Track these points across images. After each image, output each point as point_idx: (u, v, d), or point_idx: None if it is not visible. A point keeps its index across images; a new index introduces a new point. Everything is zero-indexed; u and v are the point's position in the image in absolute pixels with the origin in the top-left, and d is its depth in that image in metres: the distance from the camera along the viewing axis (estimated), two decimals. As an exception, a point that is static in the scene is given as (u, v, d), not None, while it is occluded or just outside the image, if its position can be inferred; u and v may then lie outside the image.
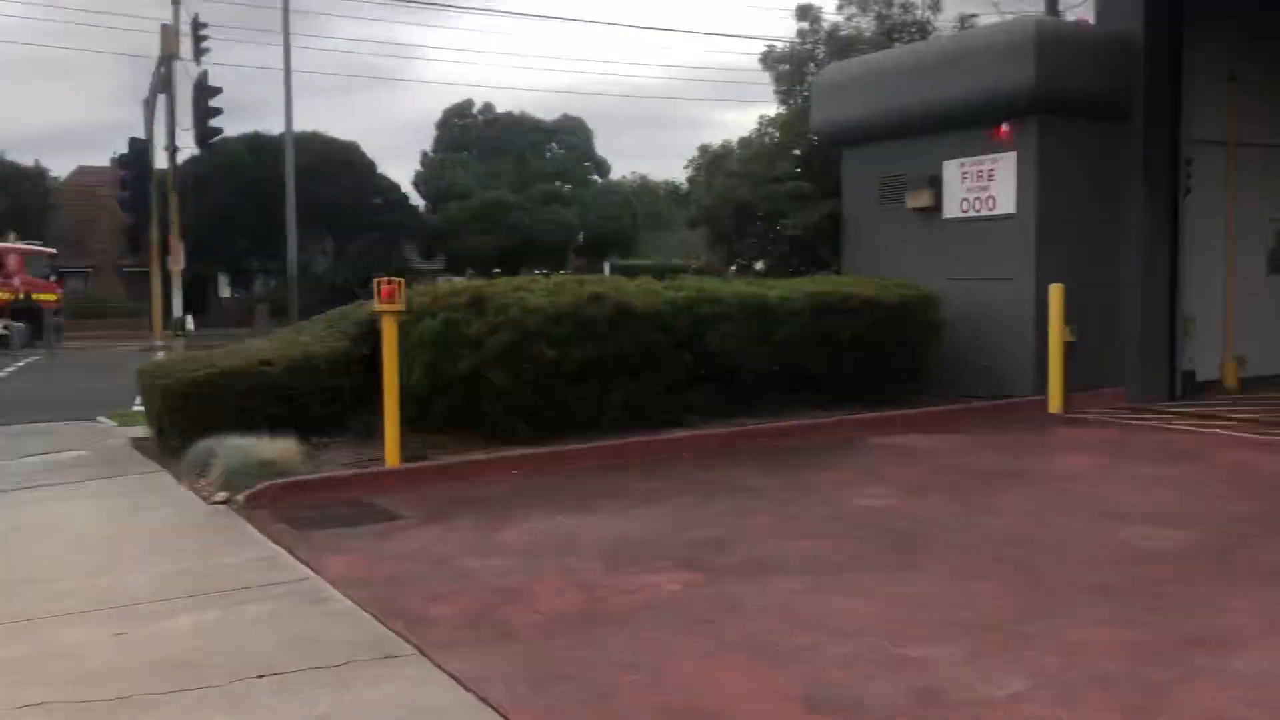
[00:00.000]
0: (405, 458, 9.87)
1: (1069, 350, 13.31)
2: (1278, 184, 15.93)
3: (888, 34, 18.68)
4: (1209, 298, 15.28)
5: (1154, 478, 9.54)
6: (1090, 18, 15.31)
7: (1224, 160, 15.30)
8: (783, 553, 7.19)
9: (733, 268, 18.85)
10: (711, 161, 24.41)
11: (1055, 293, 13.21)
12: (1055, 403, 13.31)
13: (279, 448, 9.47)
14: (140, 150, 34.93)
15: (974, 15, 21.16)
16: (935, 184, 14.66)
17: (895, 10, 19.19)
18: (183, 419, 10.47)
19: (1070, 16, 19.78)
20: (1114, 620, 5.72)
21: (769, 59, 19.41)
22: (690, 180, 36.30)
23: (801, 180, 16.83)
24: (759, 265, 17.56)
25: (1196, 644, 5.34)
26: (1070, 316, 13.34)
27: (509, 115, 62.24)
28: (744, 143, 22.01)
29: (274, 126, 57.84)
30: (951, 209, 14.58)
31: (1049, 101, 13.44)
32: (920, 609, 5.98)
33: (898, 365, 13.35)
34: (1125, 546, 7.20)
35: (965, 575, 6.63)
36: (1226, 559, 6.88)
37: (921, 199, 14.72)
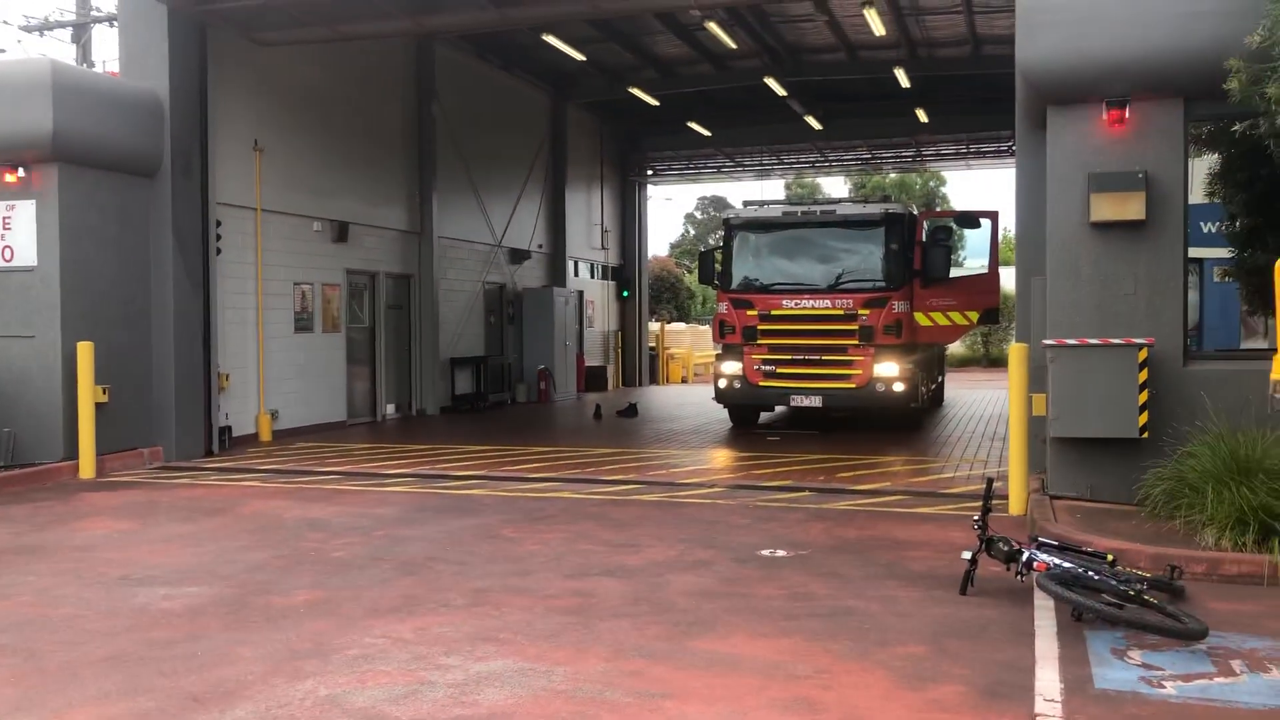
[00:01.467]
0: None
1: (101, 411, 12.70)
2: (300, 249, 17.30)
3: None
4: (243, 354, 15.92)
5: (181, 536, 9.45)
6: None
7: (253, 224, 16.13)
8: None
9: None
10: None
11: (84, 351, 12.51)
12: (87, 468, 12.57)
13: None
14: None
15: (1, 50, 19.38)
16: (-60, 228, 12.89)
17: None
18: None
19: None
20: (121, 692, 5.40)
21: None
22: None
23: None
24: None
25: (201, 701, 5.27)
26: (103, 376, 12.76)
27: None
28: None
29: None
30: (-38, 257, 12.95)
31: (71, 150, 12.72)
32: (-118, 727, 4.97)
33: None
34: (143, 611, 6.93)
35: (-49, 674, 5.73)
36: (242, 608, 7.01)
37: (-78, 244, 12.82)
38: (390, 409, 19.84)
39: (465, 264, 22.46)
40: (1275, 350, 8.12)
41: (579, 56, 21.89)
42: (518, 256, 24.57)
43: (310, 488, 12.04)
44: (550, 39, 20.25)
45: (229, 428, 15.33)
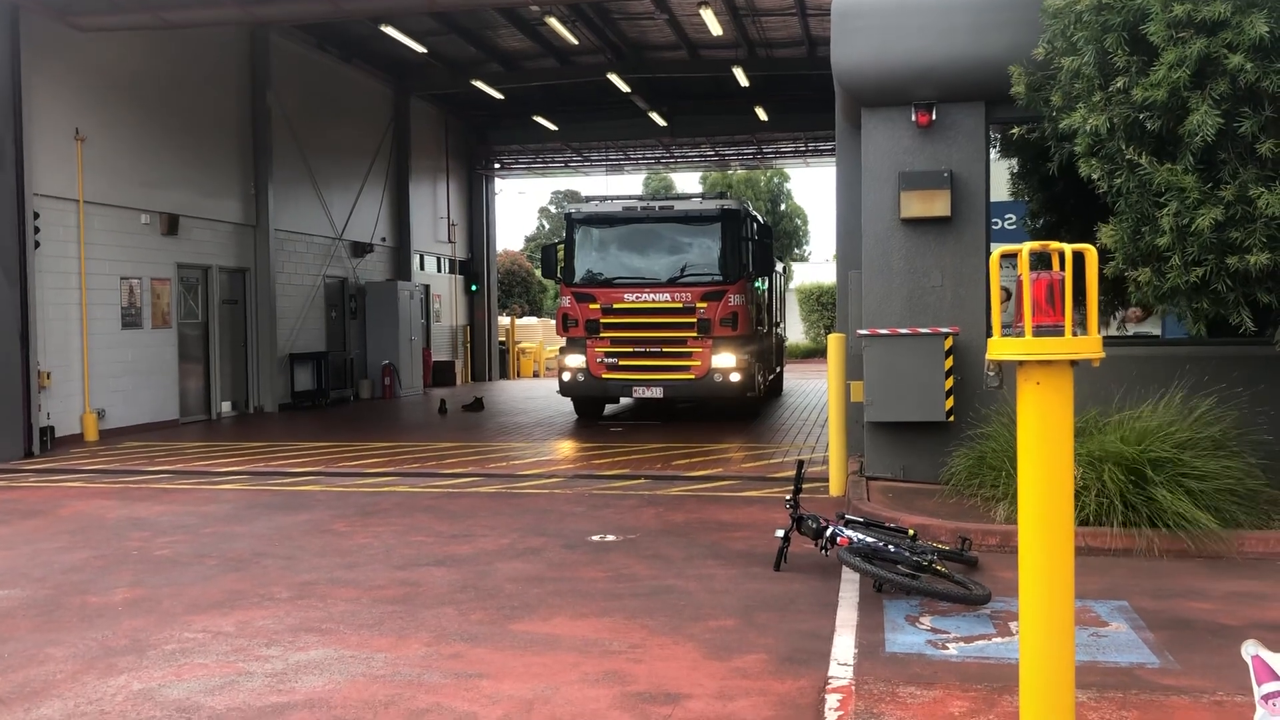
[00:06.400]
0: None
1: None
2: (127, 243, 16.73)
3: None
4: (66, 351, 15.33)
5: (-5, 538, 9.13)
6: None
7: (75, 217, 15.53)
8: None
9: None
10: None
11: (-114, 349, 11.87)
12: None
13: None
14: None
15: None
16: None
17: None
18: None
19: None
20: (-83, 697, 5.25)
21: None
22: None
23: None
24: None
25: (4, 702, 5.18)
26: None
27: None
28: None
29: None
30: None
31: None
32: None
33: None
34: (-53, 615, 6.71)
35: None
36: (56, 608, 6.86)
37: None
38: (226, 407, 19.36)
39: (304, 257, 22.06)
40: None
41: (420, 49, 21.77)
42: (360, 250, 24.25)
43: (137, 487, 11.73)
44: (389, 30, 20.07)
45: (51, 428, 14.75)
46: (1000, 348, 3.75)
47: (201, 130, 18.71)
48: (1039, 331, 3.54)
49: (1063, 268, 3.54)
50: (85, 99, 15.87)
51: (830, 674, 5.39)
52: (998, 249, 4.11)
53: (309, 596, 7.07)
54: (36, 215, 14.39)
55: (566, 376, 17.30)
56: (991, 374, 3.76)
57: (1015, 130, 8.98)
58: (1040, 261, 3.80)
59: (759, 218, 19.22)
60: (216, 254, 19.14)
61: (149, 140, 17.26)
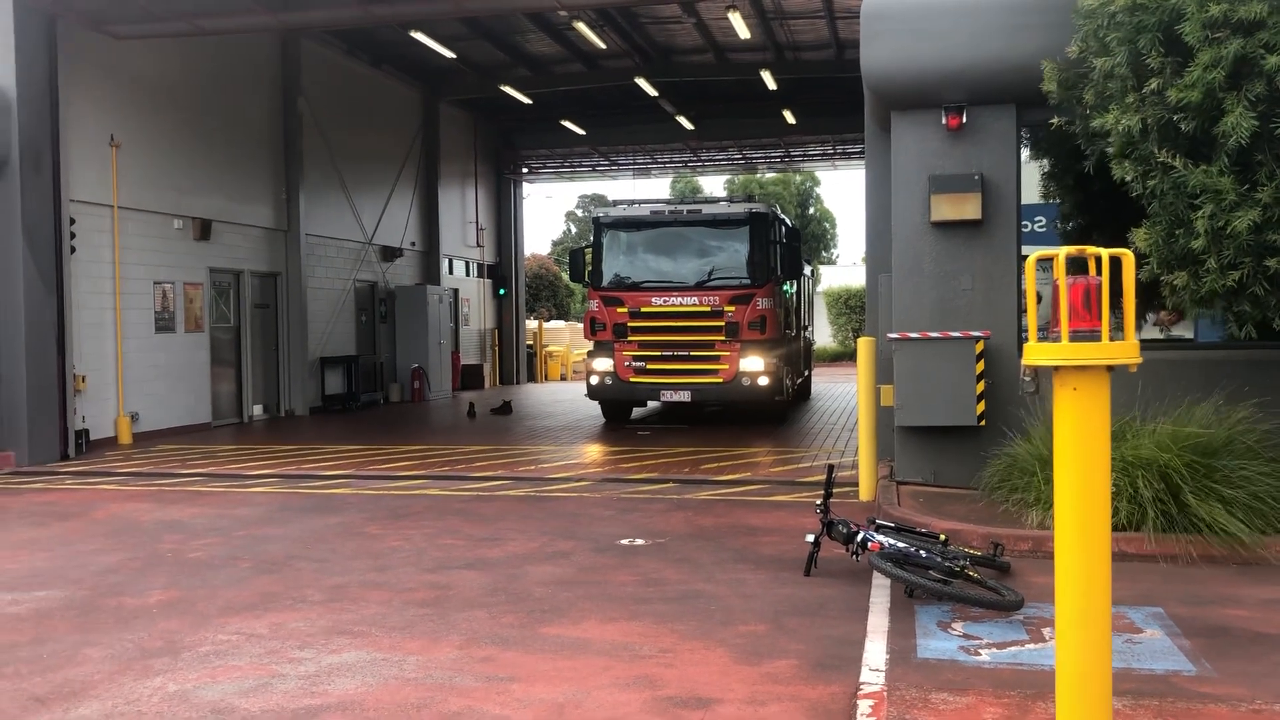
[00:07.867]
0: None
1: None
2: (161, 248, 16.90)
3: None
4: (100, 356, 15.50)
5: (32, 541, 9.23)
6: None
7: (110, 222, 15.71)
8: None
9: None
10: None
11: (-74, 353, 12.04)
12: (-69, 474, 12.10)
13: None
14: None
15: None
16: None
17: None
18: None
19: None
20: (-42, 697, 5.33)
21: None
22: None
23: None
24: None
25: (44, 701, 5.25)
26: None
27: None
28: None
29: None
30: None
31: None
32: None
33: None
34: (-14, 616, 6.81)
35: None
36: (92, 610, 6.94)
37: None
38: (258, 410, 19.52)
39: (334, 262, 22.22)
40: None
41: (449, 54, 21.87)
42: (390, 254, 24.40)
43: (171, 490, 11.85)
44: (419, 36, 20.19)
45: (86, 431, 14.92)
46: (1037, 353, 3.72)
47: (234, 136, 18.89)
48: (1075, 336, 3.52)
49: (1099, 272, 3.52)
50: (120, 106, 16.07)
51: (862, 680, 5.36)
52: (1031, 252, 4.08)
53: (341, 599, 7.11)
54: (72, 221, 14.57)
55: (594, 380, 17.33)
56: (1027, 379, 3.74)
57: (1054, 121, 8.84)
58: (1075, 265, 3.78)
59: (787, 221, 19.16)
60: (248, 259, 19.31)
61: (182, 146, 17.44)
